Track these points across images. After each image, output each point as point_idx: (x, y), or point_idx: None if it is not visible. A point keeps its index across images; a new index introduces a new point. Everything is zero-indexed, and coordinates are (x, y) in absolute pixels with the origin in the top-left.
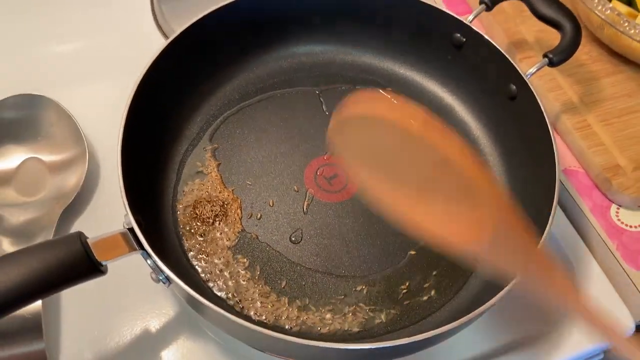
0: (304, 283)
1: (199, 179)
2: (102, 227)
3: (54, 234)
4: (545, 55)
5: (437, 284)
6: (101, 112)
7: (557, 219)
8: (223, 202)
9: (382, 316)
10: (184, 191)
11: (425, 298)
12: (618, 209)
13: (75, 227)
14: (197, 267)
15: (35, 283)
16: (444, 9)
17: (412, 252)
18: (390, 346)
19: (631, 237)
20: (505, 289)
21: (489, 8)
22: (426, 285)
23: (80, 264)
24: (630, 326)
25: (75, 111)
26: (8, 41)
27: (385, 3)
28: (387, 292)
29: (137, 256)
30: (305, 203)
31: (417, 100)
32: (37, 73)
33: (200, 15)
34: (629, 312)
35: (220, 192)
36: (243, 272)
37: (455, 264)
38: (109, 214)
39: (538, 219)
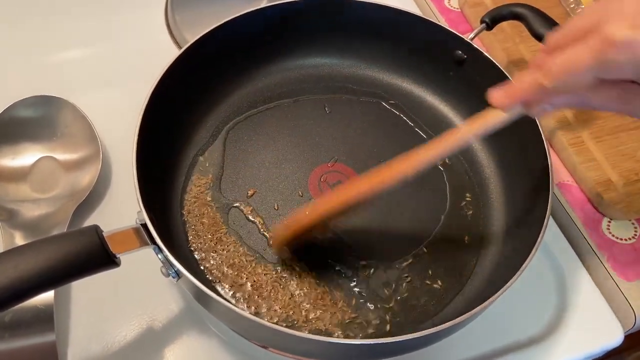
0: (308, 283)
1: (207, 183)
2: (114, 223)
3: (67, 230)
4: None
5: (433, 288)
6: (115, 115)
7: (550, 231)
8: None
9: (382, 316)
10: (192, 193)
11: (423, 301)
12: (609, 222)
13: (87, 224)
14: (202, 264)
15: (53, 270)
16: (447, 27)
17: (411, 257)
18: (394, 342)
19: (621, 249)
20: (505, 286)
21: (489, 27)
22: (425, 289)
23: (97, 255)
24: (620, 335)
25: (90, 114)
26: (30, 46)
27: (390, 20)
28: (387, 293)
29: (144, 254)
30: None
31: (418, 113)
32: (55, 76)
33: (212, 27)
34: (618, 321)
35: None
36: (249, 271)
37: (454, 269)
38: (120, 211)
39: (532, 229)
